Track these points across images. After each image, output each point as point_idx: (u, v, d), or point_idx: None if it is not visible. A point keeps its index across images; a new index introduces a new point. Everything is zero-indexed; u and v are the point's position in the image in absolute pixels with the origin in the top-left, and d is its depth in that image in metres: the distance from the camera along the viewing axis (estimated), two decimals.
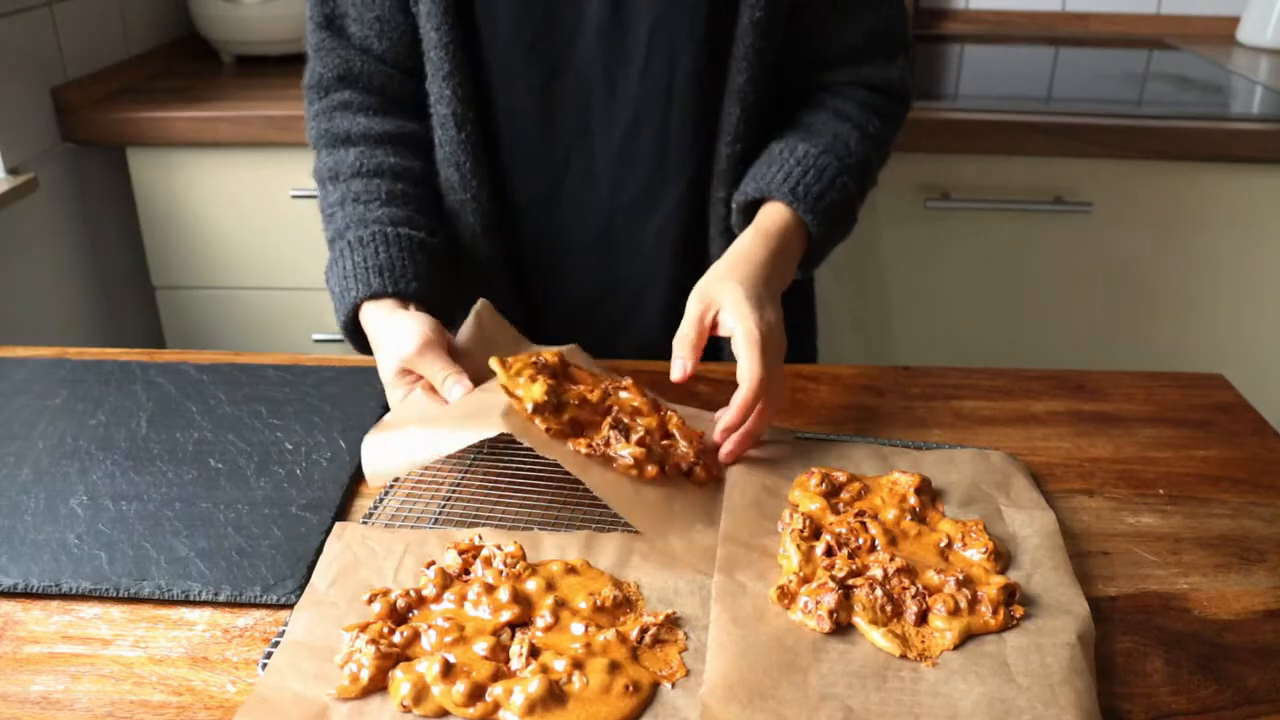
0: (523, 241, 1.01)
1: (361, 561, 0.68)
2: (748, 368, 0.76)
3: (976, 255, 1.60)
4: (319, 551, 0.69)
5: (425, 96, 0.96)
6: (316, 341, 1.67)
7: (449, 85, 0.92)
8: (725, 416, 0.77)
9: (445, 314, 0.86)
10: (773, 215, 0.88)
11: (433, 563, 0.67)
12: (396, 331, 0.80)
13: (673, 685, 0.59)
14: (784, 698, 0.57)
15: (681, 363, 0.78)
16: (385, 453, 0.74)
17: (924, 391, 0.92)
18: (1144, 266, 1.59)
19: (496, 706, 0.57)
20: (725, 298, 0.79)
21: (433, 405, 0.78)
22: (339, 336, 1.63)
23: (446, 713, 0.57)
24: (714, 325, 0.80)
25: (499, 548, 0.68)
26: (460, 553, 0.67)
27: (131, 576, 0.66)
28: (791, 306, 1.10)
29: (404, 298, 0.84)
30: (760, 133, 0.95)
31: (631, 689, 0.57)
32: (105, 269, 1.66)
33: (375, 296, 0.84)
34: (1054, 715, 0.56)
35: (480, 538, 0.70)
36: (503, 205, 0.99)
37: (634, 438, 0.73)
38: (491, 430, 0.70)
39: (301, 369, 0.92)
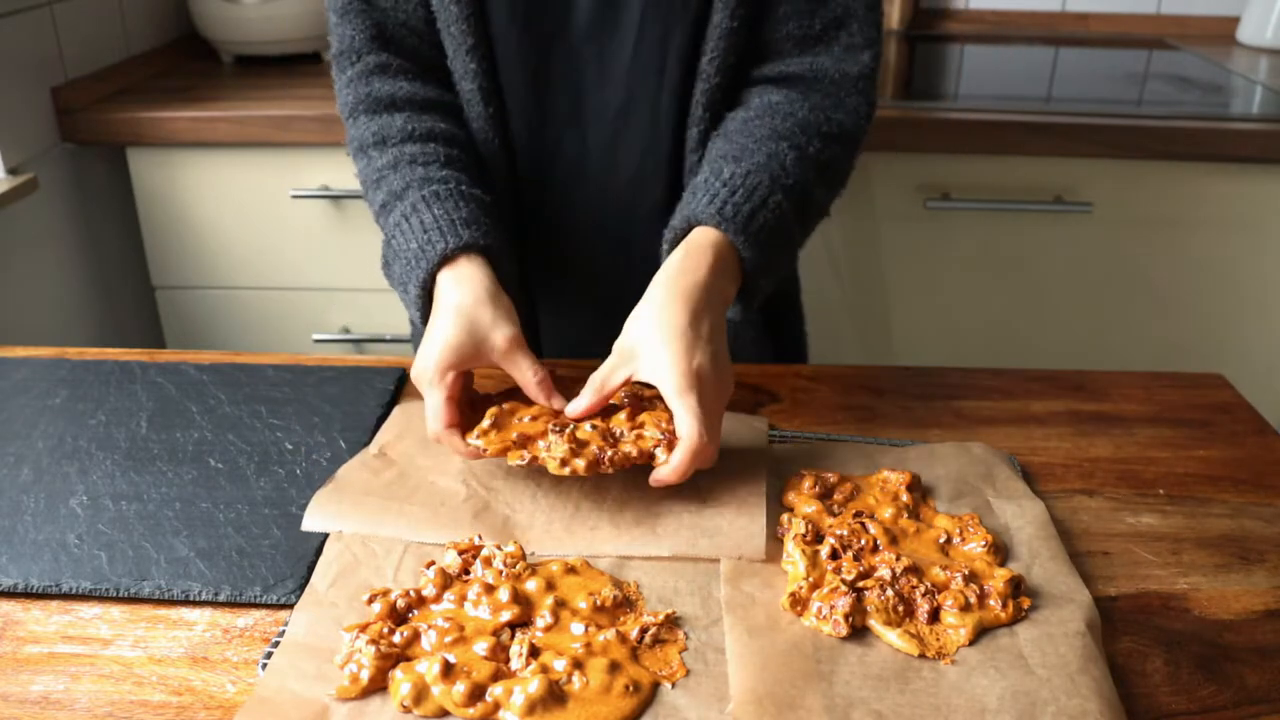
0: (525, 222, 1.01)
1: (361, 562, 0.68)
2: (684, 423, 0.70)
3: (976, 255, 1.60)
4: (319, 551, 0.69)
5: (450, 71, 0.95)
6: (316, 341, 1.67)
7: (473, 59, 0.91)
8: (662, 472, 0.71)
9: (512, 280, 0.85)
10: (702, 237, 0.80)
11: (433, 563, 0.67)
12: (493, 309, 0.76)
13: (673, 685, 0.59)
14: (812, 706, 0.57)
15: (583, 404, 0.74)
16: (336, 513, 0.72)
17: (924, 391, 0.92)
18: (1144, 266, 1.59)
19: (496, 706, 0.57)
20: (643, 360, 0.74)
21: (389, 474, 0.76)
22: (339, 336, 1.66)
23: (446, 713, 0.57)
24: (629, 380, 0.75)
25: (499, 548, 0.68)
26: (460, 553, 0.67)
27: (131, 576, 0.66)
28: (776, 307, 1.10)
29: (490, 255, 0.81)
30: (719, 121, 0.92)
31: (631, 689, 0.57)
32: (105, 269, 1.66)
33: (466, 249, 0.80)
34: (1077, 705, 0.57)
35: (480, 538, 0.70)
36: (514, 184, 0.99)
37: (568, 433, 0.72)
38: (460, 535, 0.70)
39: (301, 369, 0.92)
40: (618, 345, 0.76)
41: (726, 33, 0.88)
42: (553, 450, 0.71)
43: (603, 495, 0.74)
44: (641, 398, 0.78)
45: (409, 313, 0.85)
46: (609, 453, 0.71)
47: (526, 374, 0.76)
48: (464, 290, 0.77)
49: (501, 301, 0.78)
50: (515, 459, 0.71)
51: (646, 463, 0.72)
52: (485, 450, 0.72)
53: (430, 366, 0.75)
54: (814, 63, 0.91)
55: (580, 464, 0.70)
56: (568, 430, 0.72)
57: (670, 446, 0.72)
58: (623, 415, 0.75)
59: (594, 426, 0.73)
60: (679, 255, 0.79)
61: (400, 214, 0.83)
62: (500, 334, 0.76)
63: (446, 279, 0.79)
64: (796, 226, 0.86)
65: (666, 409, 0.75)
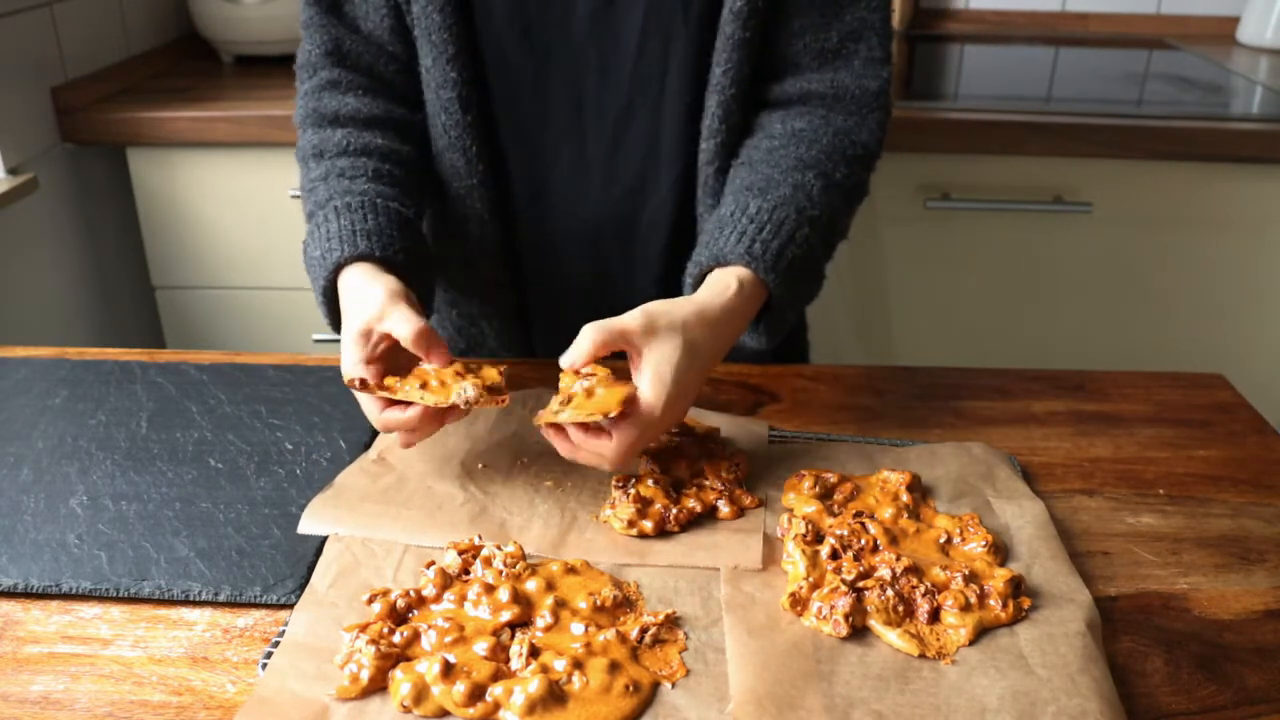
0: (518, 230, 1.01)
1: (361, 562, 0.68)
2: (623, 435, 0.69)
3: (976, 255, 1.60)
4: (319, 551, 0.69)
5: (414, 82, 0.95)
6: (316, 341, 1.67)
7: (454, 68, 0.91)
8: (595, 456, 0.70)
9: (424, 293, 0.85)
10: (730, 275, 0.80)
11: (433, 563, 0.67)
12: (369, 292, 0.76)
13: (673, 685, 0.59)
14: (812, 706, 0.57)
15: (576, 354, 0.71)
16: (333, 518, 0.72)
17: (924, 391, 0.92)
18: (1144, 266, 1.59)
19: (496, 706, 0.57)
20: (664, 363, 0.71)
21: (387, 479, 0.76)
22: (339, 336, 1.65)
23: (446, 713, 0.57)
24: (625, 352, 0.73)
25: (499, 548, 0.68)
26: (460, 553, 0.67)
27: (131, 576, 0.66)
28: None
29: (388, 264, 0.81)
30: (739, 133, 0.92)
31: (631, 689, 0.57)
32: (105, 269, 1.66)
33: (361, 258, 0.80)
34: (1078, 704, 0.57)
35: (480, 538, 0.70)
36: (504, 191, 0.99)
37: (632, 493, 0.72)
38: (459, 536, 0.70)
39: (301, 369, 0.92)
40: (645, 315, 0.72)
41: (739, 43, 0.88)
42: (619, 512, 0.71)
43: (600, 506, 0.74)
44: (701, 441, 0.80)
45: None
46: (674, 510, 0.72)
47: (404, 329, 0.72)
48: (349, 297, 0.78)
49: (371, 283, 0.76)
50: (412, 397, 0.71)
51: (707, 513, 0.73)
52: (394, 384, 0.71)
53: (348, 371, 0.74)
54: (835, 79, 0.91)
55: (648, 525, 0.71)
56: (632, 491, 0.73)
57: (731, 499, 0.74)
58: (682, 464, 0.77)
59: (656, 482, 0.74)
60: (714, 291, 0.78)
61: (315, 223, 0.85)
62: (378, 307, 0.73)
63: (341, 286, 0.80)
64: (823, 255, 0.86)
65: (726, 459, 0.77)
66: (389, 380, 0.72)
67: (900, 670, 0.60)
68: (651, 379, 0.71)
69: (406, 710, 0.57)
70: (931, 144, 1.51)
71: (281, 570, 0.67)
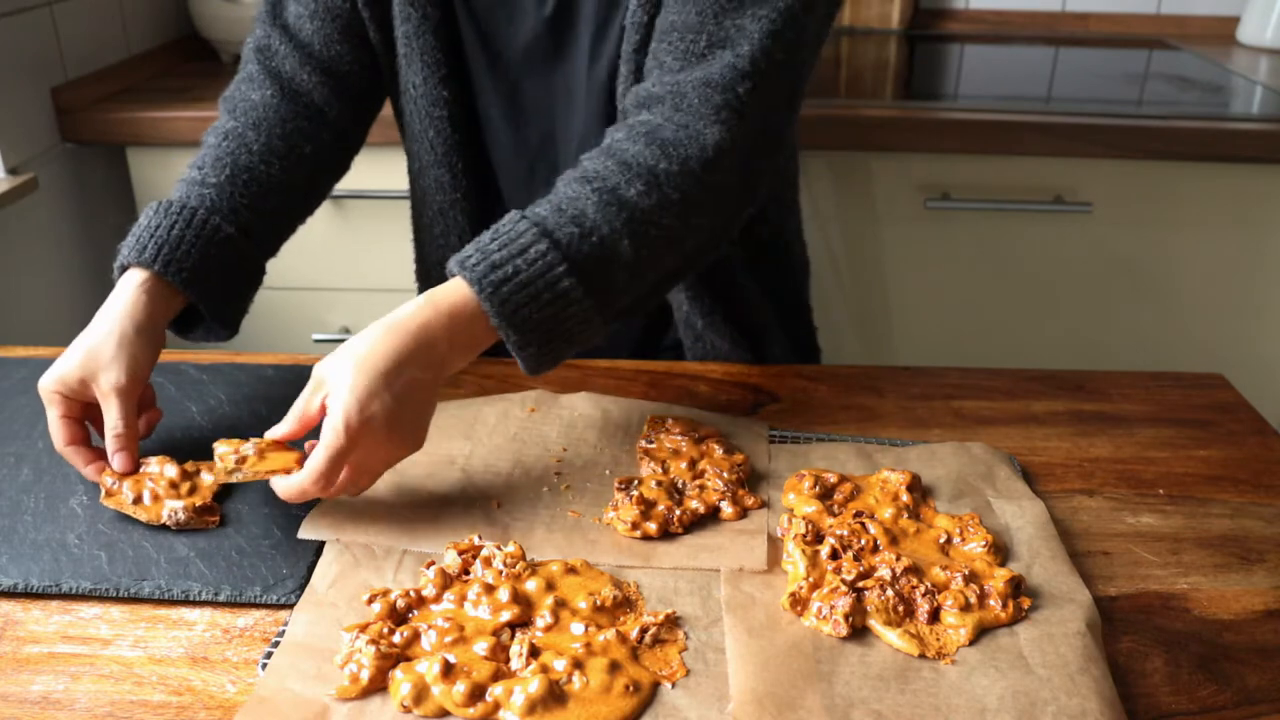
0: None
1: (361, 562, 0.68)
2: (314, 462, 0.67)
3: (976, 255, 1.60)
4: (319, 552, 0.69)
5: (339, 96, 0.95)
6: (316, 341, 1.67)
7: (447, 88, 0.93)
8: (276, 484, 0.70)
9: (224, 309, 0.84)
10: (448, 285, 0.73)
11: (433, 563, 0.67)
12: (116, 349, 0.76)
13: (673, 685, 0.59)
14: (812, 706, 0.57)
15: (283, 430, 0.72)
16: (333, 524, 0.72)
17: (924, 391, 0.92)
18: (1144, 266, 1.59)
19: (497, 706, 0.57)
20: (335, 385, 0.68)
21: (386, 484, 0.75)
22: (339, 336, 1.65)
23: (447, 713, 0.57)
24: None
25: (499, 548, 0.68)
26: (460, 553, 0.67)
27: (131, 576, 0.66)
28: (783, 311, 1.10)
29: (171, 283, 0.80)
30: None
31: (632, 689, 0.57)
32: (105, 269, 1.65)
33: (144, 266, 0.79)
34: (1077, 704, 0.57)
35: (480, 538, 0.70)
36: (487, 205, 1.01)
37: (635, 495, 0.72)
38: (461, 537, 0.70)
39: (301, 369, 0.92)
40: (316, 369, 0.71)
41: (630, 58, 0.87)
42: (622, 514, 0.71)
43: (602, 509, 0.74)
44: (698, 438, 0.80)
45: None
46: (677, 512, 0.72)
47: (112, 421, 0.74)
48: (110, 309, 0.78)
49: (129, 344, 0.76)
50: (126, 510, 0.72)
51: (710, 514, 0.73)
52: (111, 486, 0.73)
53: (42, 388, 0.75)
54: (678, 82, 0.80)
55: (652, 527, 0.70)
56: (635, 493, 0.73)
57: (734, 500, 0.73)
58: (684, 465, 0.77)
59: (658, 483, 0.74)
60: (418, 301, 0.72)
61: (156, 203, 0.83)
62: (107, 377, 0.75)
63: (120, 285, 0.80)
64: (575, 279, 0.72)
65: (727, 459, 0.77)
66: (107, 479, 0.73)
67: (900, 670, 0.60)
68: (330, 411, 0.68)
69: (406, 710, 0.57)
70: (931, 144, 1.51)
71: (281, 570, 0.67)
